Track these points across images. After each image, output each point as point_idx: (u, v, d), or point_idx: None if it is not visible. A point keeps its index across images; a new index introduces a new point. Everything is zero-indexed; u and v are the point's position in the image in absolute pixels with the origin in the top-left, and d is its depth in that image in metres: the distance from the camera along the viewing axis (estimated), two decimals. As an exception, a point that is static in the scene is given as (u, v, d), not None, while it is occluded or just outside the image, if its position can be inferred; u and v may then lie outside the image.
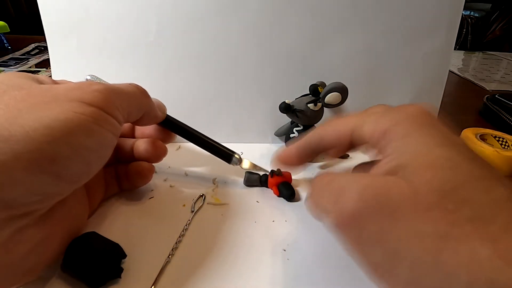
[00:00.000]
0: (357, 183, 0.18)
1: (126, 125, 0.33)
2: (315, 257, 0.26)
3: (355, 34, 0.41)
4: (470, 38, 1.28)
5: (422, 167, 0.17)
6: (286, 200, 0.33)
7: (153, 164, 0.32)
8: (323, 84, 0.40)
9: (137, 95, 0.27)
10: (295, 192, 0.34)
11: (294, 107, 0.38)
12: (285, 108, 0.37)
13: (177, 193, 0.34)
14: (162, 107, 0.31)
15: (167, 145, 0.33)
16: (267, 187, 0.35)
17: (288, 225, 0.30)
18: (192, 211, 0.31)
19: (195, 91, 0.43)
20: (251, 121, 0.44)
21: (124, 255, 0.25)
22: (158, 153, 0.32)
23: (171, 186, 0.35)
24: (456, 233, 0.15)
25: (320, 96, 0.37)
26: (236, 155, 0.34)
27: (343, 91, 0.37)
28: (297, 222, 0.30)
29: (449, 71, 0.48)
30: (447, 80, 0.44)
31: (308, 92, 0.39)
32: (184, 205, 0.32)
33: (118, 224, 0.29)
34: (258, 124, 0.44)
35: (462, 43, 1.27)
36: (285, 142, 0.41)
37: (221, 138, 0.44)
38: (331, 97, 0.37)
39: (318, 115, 0.39)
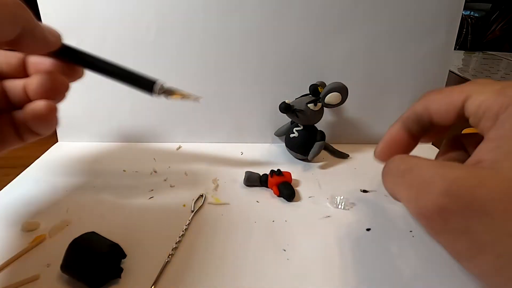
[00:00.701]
0: (443, 177, 0.16)
1: (15, 62, 0.26)
2: (315, 257, 0.26)
3: (355, 34, 0.41)
4: (470, 38, 1.28)
5: None
6: (286, 200, 0.33)
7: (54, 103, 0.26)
8: (323, 84, 0.40)
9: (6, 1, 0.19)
10: (295, 192, 0.34)
11: (294, 107, 0.38)
12: (285, 108, 0.37)
13: (177, 193, 0.34)
14: (54, 32, 0.24)
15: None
16: (267, 187, 0.35)
17: (288, 225, 0.30)
18: (192, 211, 0.31)
19: (195, 91, 0.43)
20: (251, 121, 0.44)
21: (124, 255, 0.25)
22: (56, 87, 0.25)
23: (171, 186, 0.35)
24: None
25: (320, 96, 0.37)
26: (158, 83, 0.26)
27: (343, 91, 0.37)
28: (297, 222, 0.30)
29: (449, 71, 0.48)
30: (447, 80, 0.44)
31: (308, 92, 0.39)
32: (184, 205, 0.32)
33: (118, 224, 0.29)
34: (258, 124, 0.44)
35: (462, 43, 1.27)
36: (285, 142, 0.41)
37: (221, 138, 0.45)
38: (331, 97, 0.37)
39: (318, 115, 0.39)
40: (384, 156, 0.24)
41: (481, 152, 0.17)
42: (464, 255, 0.16)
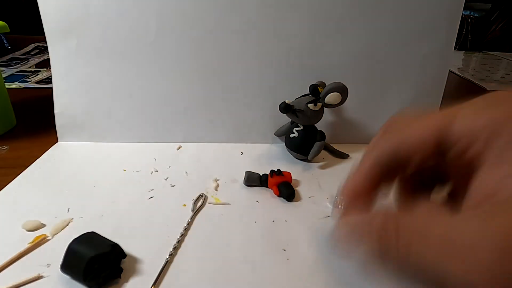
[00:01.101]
0: (487, 235, 0.12)
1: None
2: (315, 257, 0.26)
3: (355, 34, 0.41)
4: (470, 38, 1.28)
5: None
6: (286, 200, 0.33)
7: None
8: (323, 84, 0.40)
9: None
10: (295, 192, 0.34)
11: (294, 107, 0.38)
12: (285, 108, 0.37)
13: (177, 193, 0.34)
14: None
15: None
16: (267, 187, 0.35)
17: (288, 225, 0.30)
18: (193, 211, 0.31)
19: (195, 91, 0.43)
20: (251, 121, 0.44)
21: (124, 255, 0.25)
22: None
23: (171, 186, 0.35)
24: None
25: (320, 96, 0.37)
26: None
27: (343, 91, 0.37)
28: (297, 222, 0.30)
29: (449, 71, 0.48)
30: (447, 80, 0.44)
31: (308, 92, 0.39)
32: (184, 205, 0.32)
33: (118, 224, 0.29)
34: (258, 124, 0.44)
35: (462, 43, 1.27)
36: (285, 142, 0.41)
37: (221, 138, 0.45)
38: (331, 97, 0.37)
39: (318, 115, 0.39)
40: (349, 200, 0.20)
41: (496, 178, 0.14)
42: None
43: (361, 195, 0.19)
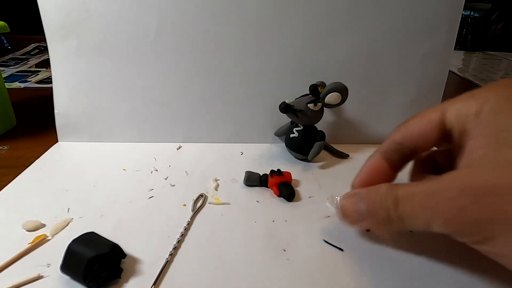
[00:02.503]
0: (451, 184, 0.18)
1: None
2: (315, 257, 0.26)
3: (355, 34, 0.41)
4: (470, 38, 1.28)
5: None
6: (286, 200, 0.33)
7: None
8: (323, 84, 0.40)
9: None
10: (295, 192, 0.34)
11: (294, 107, 0.38)
12: (285, 108, 0.37)
13: (177, 193, 0.34)
14: None
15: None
16: (267, 187, 0.35)
17: (288, 225, 0.30)
18: (193, 211, 0.31)
19: (195, 91, 0.43)
20: (251, 121, 0.44)
21: (124, 255, 0.25)
22: None
23: (171, 186, 0.35)
24: None
25: (320, 96, 0.37)
26: None
27: (343, 91, 0.37)
28: (297, 222, 0.30)
29: (449, 71, 0.48)
30: (447, 80, 0.44)
31: (308, 92, 0.39)
32: (184, 205, 0.32)
33: (118, 224, 0.29)
34: (258, 124, 0.44)
35: (462, 43, 1.27)
36: (285, 142, 0.41)
37: (221, 138, 0.45)
38: (331, 97, 0.37)
39: (318, 115, 0.39)
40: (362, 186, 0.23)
41: (472, 152, 0.18)
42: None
43: (380, 173, 0.23)
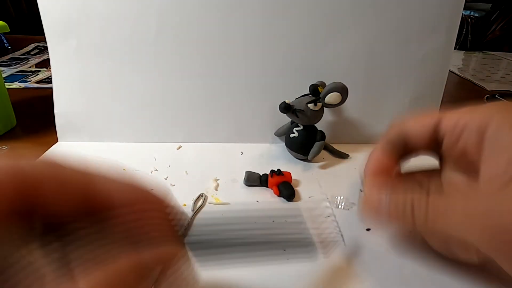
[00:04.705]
0: (475, 214, 0.18)
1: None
2: (315, 257, 0.26)
3: (355, 34, 0.41)
4: (470, 38, 1.28)
5: None
6: (286, 200, 0.33)
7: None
8: (323, 84, 0.40)
9: None
10: (295, 192, 0.34)
11: (294, 107, 0.38)
12: (285, 108, 0.37)
13: (177, 193, 0.34)
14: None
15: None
16: (267, 187, 0.35)
17: (288, 225, 0.30)
18: (193, 211, 0.31)
19: (195, 91, 0.43)
20: (251, 121, 0.44)
21: (124, 255, 0.25)
22: None
23: (171, 185, 0.35)
24: None
25: (320, 96, 0.37)
26: None
27: (343, 91, 0.37)
28: (297, 222, 0.30)
29: (449, 71, 0.48)
30: (447, 80, 0.44)
31: (308, 92, 0.39)
32: (184, 205, 0.32)
33: (118, 224, 0.29)
34: (258, 124, 0.44)
35: (462, 43, 1.27)
36: (285, 142, 0.41)
37: (221, 138, 0.45)
38: (331, 97, 0.37)
39: (318, 115, 0.39)
40: (375, 179, 0.24)
41: (492, 167, 0.18)
42: None
43: (381, 172, 0.24)
